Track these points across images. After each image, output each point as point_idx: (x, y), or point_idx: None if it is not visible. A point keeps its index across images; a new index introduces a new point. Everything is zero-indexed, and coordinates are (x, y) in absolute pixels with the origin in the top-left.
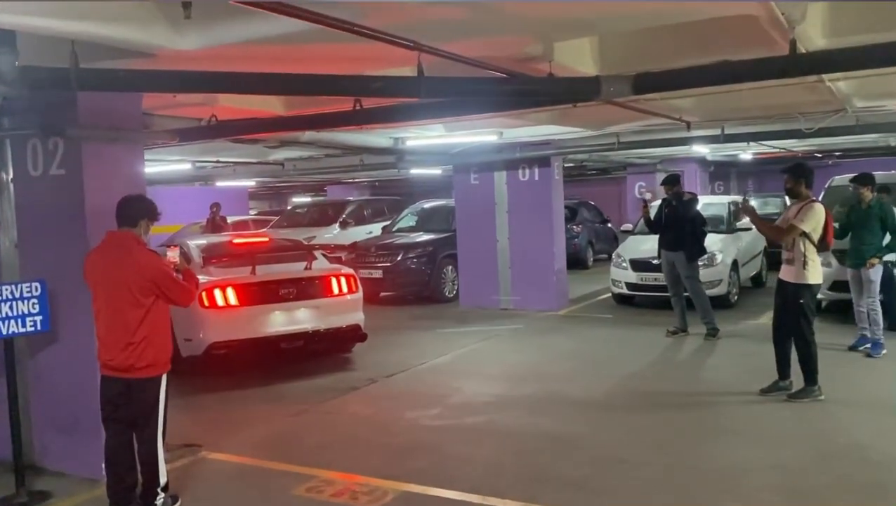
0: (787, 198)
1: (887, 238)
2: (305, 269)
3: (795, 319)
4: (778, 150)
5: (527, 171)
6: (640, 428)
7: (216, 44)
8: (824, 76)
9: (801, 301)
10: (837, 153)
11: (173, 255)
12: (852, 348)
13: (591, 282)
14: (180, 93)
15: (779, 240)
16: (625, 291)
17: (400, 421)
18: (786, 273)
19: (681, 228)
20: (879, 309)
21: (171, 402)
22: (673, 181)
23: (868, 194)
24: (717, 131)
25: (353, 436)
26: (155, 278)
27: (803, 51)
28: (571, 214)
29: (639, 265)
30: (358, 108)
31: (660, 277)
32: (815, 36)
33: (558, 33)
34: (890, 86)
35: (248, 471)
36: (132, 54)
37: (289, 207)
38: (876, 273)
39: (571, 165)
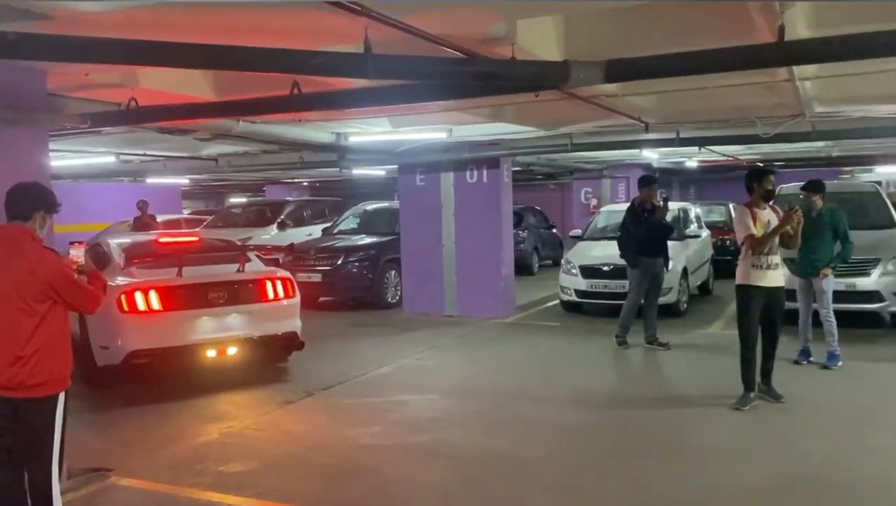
0: (731, 206)
1: (838, 247)
2: (238, 271)
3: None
4: (724, 157)
5: (475, 172)
6: (599, 448)
7: (124, 5)
8: (796, 72)
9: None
10: (779, 162)
11: (77, 254)
12: (796, 362)
13: (538, 289)
14: (80, 62)
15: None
16: (574, 298)
17: (338, 440)
18: (775, 279)
19: (661, 233)
20: (834, 319)
21: (82, 418)
22: (651, 181)
23: (819, 202)
24: (673, 134)
25: (286, 457)
26: (51, 281)
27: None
28: (518, 220)
29: (589, 272)
30: (296, 92)
31: (610, 285)
32: (799, 26)
33: (524, 9)
34: (853, 89)
35: (164, 500)
36: (24, 14)
37: (224, 207)
38: (828, 284)
39: (518, 168)
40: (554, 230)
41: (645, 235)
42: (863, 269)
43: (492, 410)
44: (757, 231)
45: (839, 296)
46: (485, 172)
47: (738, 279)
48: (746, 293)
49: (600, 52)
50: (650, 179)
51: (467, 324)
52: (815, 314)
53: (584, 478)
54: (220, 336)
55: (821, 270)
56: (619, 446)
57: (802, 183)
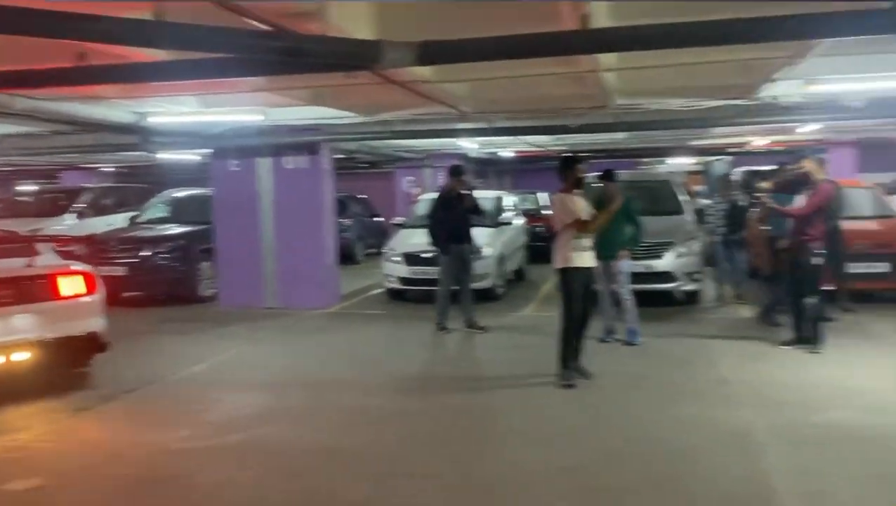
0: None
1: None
2: (27, 266)
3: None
4: (536, 148)
5: (295, 158)
6: (422, 434)
7: None
8: (600, 63)
9: None
10: (586, 153)
11: None
12: (602, 340)
13: (362, 277)
14: None
15: None
16: (398, 285)
17: (140, 447)
18: (591, 259)
19: (467, 219)
20: (632, 298)
21: None
22: (461, 172)
23: (612, 190)
24: (487, 124)
25: (78, 470)
26: None
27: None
28: (341, 208)
29: (411, 259)
30: (82, 63)
31: (432, 271)
32: (601, 17)
33: None
34: (651, 82)
35: None
36: None
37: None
38: (626, 265)
39: (342, 156)
40: (378, 218)
41: (453, 222)
42: (658, 252)
43: (312, 402)
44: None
45: (638, 277)
46: (305, 157)
47: (560, 263)
48: (569, 275)
49: (415, 35)
50: (458, 169)
51: (289, 316)
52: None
53: (403, 465)
54: (5, 340)
55: (619, 252)
56: (441, 431)
57: (599, 172)
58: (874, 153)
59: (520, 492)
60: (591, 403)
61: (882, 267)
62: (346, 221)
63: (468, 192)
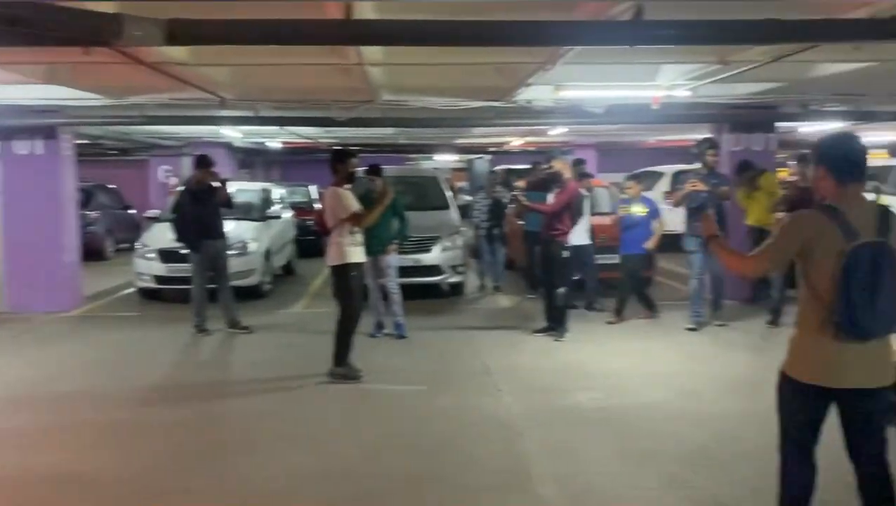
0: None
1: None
2: None
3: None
4: (305, 140)
5: (28, 143)
6: (177, 448)
7: None
8: (365, 57)
9: None
10: (356, 147)
11: None
12: (372, 336)
13: (112, 276)
14: None
15: None
16: (152, 284)
17: None
18: (362, 255)
19: (219, 213)
20: (400, 291)
21: None
22: (209, 162)
23: (381, 184)
24: (252, 113)
25: None
26: None
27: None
28: (86, 199)
29: (167, 256)
30: None
31: (189, 269)
32: (366, 9)
33: None
34: (415, 80)
35: None
36: None
37: None
38: (394, 259)
39: (87, 141)
40: (131, 211)
41: (203, 216)
42: (426, 246)
43: (48, 421)
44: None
45: (406, 271)
46: (40, 143)
47: (336, 259)
48: (346, 271)
49: (164, 12)
50: (205, 159)
51: (22, 321)
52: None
53: (151, 485)
54: None
55: (388, 246)
56: (198, 443)
57: (366, 167)
58: (611, 155)
59: (278, 502)
60: (360, 400)
61: (616, 259)
62: (93, 214)
63: (220, 184)
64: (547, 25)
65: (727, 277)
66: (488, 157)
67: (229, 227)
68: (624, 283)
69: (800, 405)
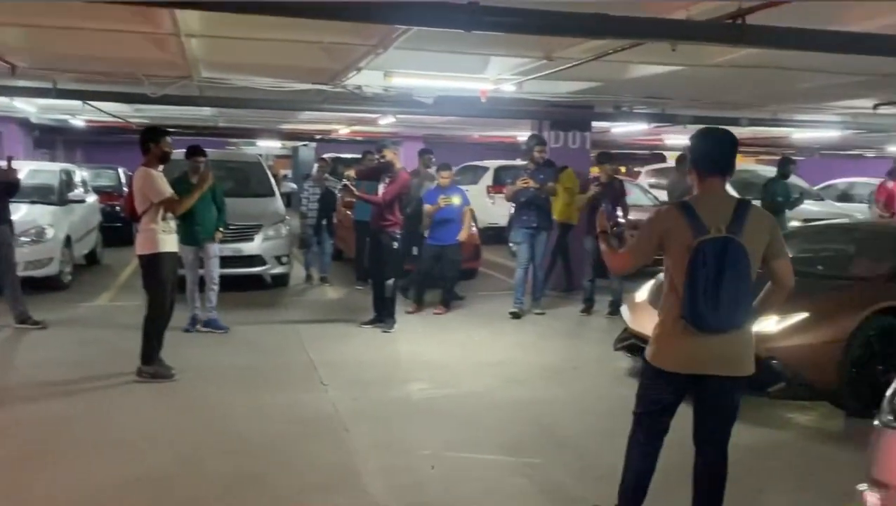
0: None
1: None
2: None
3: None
4: (113, 118)
5: None
6: None
7: None
8: (181, 26)
9: None
10: (171, 128)
11: None
12: (187, 330)
13: None
14: None
15: None
16: None
17: None
18: (176, 243)
19: (2, 197)
20: (218, 282)
21: None
22: None
23: (203, 167)
24: (50, 84)
25: None
26: None
27: None
28: None
29: None
30: None
31: None
32: None
33: None
34: (237, 56)
35: None
36: None
37: None
38: (216, 248)
39: None
40: None
41: None
42: (247, 234)
43: None
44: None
45: (227, 261)
46: None
47: (146, 248)
48: (158, 261)
49: None
50: None
51: None
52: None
53: None
54: None
55: (215, 234)
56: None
57: (186, 149)
58: (438, 149)
59: None
60: (175, 400)
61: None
62: None
63: (4, 163)
64: (382, 3)
65: (548, 269)
66: (314, 144)
67: (21, 211)
68: (425, 273)
69: (657, 392)
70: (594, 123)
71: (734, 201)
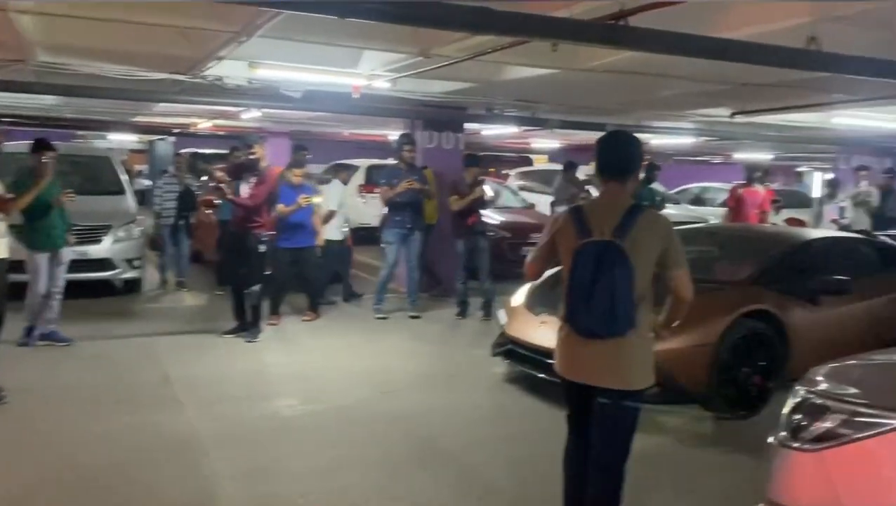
0: None
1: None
2: None
3: None
4: None
5: None
6: None
7: None
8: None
9: None
10: (7, 118)
11: None
12: (23, 344)
13: None
14: None
15: None
16: None
17: None
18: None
19: None
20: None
21: None
22: None
23: (48, 162)
24: None
25: None
26: None
27: None
28: None
29: None
30: None
31: None
32: None
33: None
34: (79, 38)
35: None
36: None
37: None
38: (67, 254)
39: None
40: None
41: None
42: (95, 236)
43: None
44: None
45: (72, 265)
46: None
47: None
48: None
49: None
50: None
51: None
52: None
53: None
54: None
55: (67, 237)
56: None
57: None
58: (307, 146)
59: None
60: (5, 427)
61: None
62: None
63: None
64: None
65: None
66: (172, 139)
67: None
68: (281, 280)
69: (565, 398)
70: (466, 125)
71: (627, 206)
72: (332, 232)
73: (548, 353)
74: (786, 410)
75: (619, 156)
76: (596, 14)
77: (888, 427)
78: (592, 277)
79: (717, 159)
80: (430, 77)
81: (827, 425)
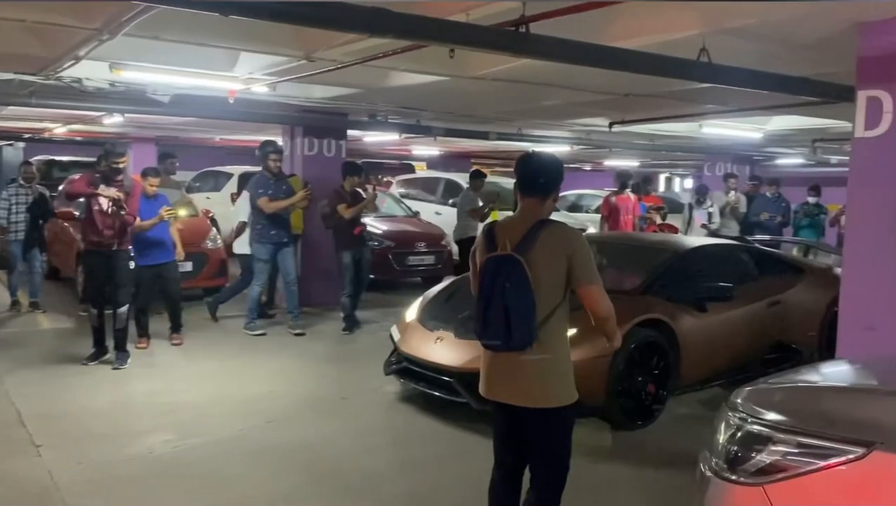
0: None
1: None
2: None
3: None
4: None
5: None
6: None
7: None
8: None
9: None
10: None
11: None
12: None
13: None
14: None
15: None
16: None
17: None
18: None
19: None
20: None
21: None
22: None
23: None
24: None
25: None
26: None
27: None
28: None
29: None
30: None
31: None
32: None
33: None
34: None
35: None
36: None
37: None
38: None
39: None
40: None
41: None
42: None
43: None
44: None
45: None
46: None
47: None
48: None
49: None
50: None
51: None
52: None
53: None
54: None
55: None
56: None
57: None
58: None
59: None
60: None
61: (188, 266)
62: None
63: None
64: None
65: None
66: (22, 145)
67: None
68: (144, 300)
69: (494, 418)
70: (348, 132)
71: (534, 221)
72: (244, 246)
73: (445, 370)
74: (723, 437)
75: (537, 173)
76: (494, 20)
77: (840, 459)
78: (489, 291)
79: (588, 167)
80: (313, 82)
81: (771, 457)
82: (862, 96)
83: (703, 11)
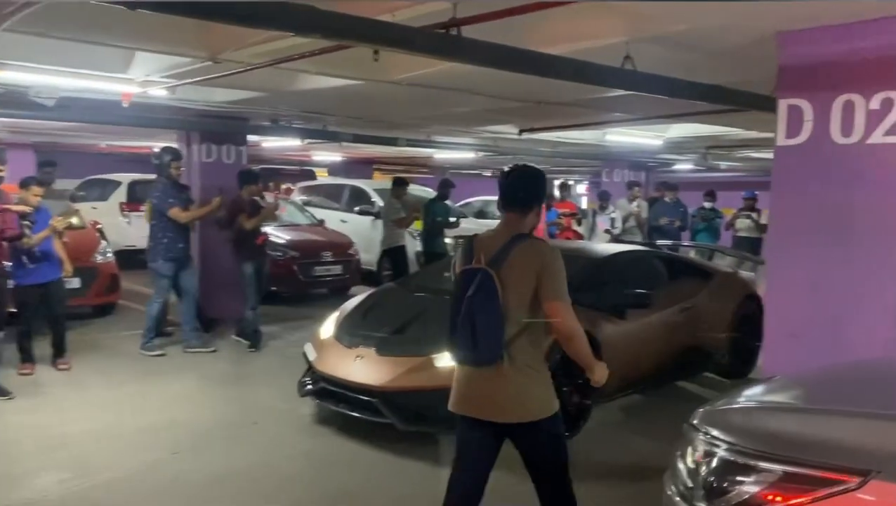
0: None
1: None
2: None
3: None
4: None
5: None
6: None
7: None
8: None
9: None
10: None
11: None
12: None
13: None
14: None
15: None
16: None
17: None
18: None
19: None
20: None
21: None
22: None
23: None
24: None
25: None
26: None
27: None
28: None
29: None
30: None
31: None
32: None
33: None
34: None
35: None
36: None
37: None
38: None
39: None
40: None
41: None
42: None
43: None
44: None
45: None
46: None
47: None
48: None
49: None
50: None
51: None
52: None
53: None
54: None
55: None
56: None
57: None
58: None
59: None
60: None
61: (75, 283)
62: None
63: None
64: None
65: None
66: None
67: None
68: (29, 321)
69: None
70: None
71: (511, 235)
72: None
73: (367, 390)
74: (688, 460)
75: (516, 187)
76: (420, 22)
77: (833, 489)
78: (460, 304)
79: (488, 172)
80: (216, 85)
81: (754, 488)
82: (783, 105)
83: (630, 18)
